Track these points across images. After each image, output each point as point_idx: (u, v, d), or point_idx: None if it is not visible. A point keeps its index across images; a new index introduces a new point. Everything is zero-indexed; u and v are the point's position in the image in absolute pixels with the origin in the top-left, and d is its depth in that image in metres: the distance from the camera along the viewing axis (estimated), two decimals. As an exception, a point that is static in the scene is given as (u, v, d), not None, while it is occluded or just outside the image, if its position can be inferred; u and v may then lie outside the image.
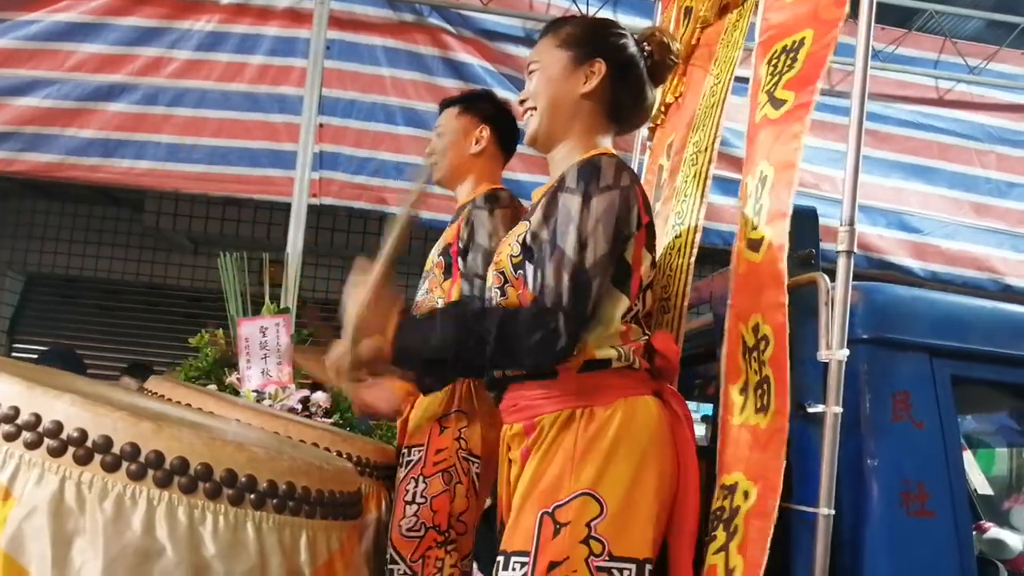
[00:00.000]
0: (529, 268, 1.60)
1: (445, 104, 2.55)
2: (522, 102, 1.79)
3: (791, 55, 1.66)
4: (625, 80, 1.75)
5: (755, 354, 1.61)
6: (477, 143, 2.42)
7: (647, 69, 1.79)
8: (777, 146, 1.60)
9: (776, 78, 1.68)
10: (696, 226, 1.92)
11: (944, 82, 5.18)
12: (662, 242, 1.94)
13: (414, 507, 2.13)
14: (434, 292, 2.38)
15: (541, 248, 1.56)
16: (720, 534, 1.54)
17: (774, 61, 1.72)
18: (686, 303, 1.85)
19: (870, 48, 1.57)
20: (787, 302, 1.51)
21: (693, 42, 2.12)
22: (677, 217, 1.93)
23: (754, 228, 1.63)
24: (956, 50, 5.13)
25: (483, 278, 2.10)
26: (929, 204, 5.04)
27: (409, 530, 2.11)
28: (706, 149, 1.93)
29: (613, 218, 1.54)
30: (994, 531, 2.97)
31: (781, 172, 1.57)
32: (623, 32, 1.80)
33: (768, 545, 1.42)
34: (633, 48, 1.78)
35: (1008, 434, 3.27)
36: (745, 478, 1.54)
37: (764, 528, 1.44)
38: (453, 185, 2.48)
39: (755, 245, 1.62)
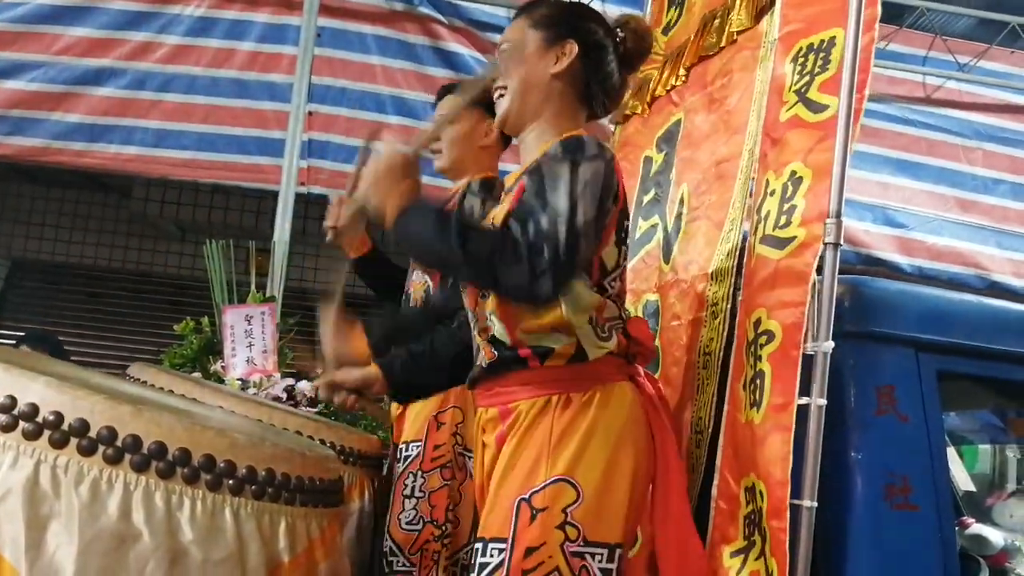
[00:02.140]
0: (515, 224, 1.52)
1: (447, 91, 2.52)
2: (492, 80, 1.77)
3: (821, 55, 1.64)
4: (596, 63, 1.73)
5: (753, 348, 1.61)
6: (487, 136, 2.40)
7: (620, 55, 1.77)
8: (818, 150, 1.58)
9: (807, 78, 1.66)
10: (740, 232, 1.89)
11: (931, 79, 5.19)
12: (720, 248, 1.92)
13: (413, 501, 2.15)
14: (420, 271, 2.37)
15: (530, 206, 1.50)
16: (757, 539, 1.55)
17: (801, 60, 1.69)
18: (729, 306, 1.83)
19: (859, 41, 1.57)
20: (808, 301, 1.50)
21: (728, 41, 2.09)
22: (730, 223, 1.91)
23: (780, 226, 1.62)
24: (946, 47, 5.14)
25: None
26: (915, 199, 5.05)
27: (408, 523, 2.14)
28: (752, 154, 1.89)
29: (599, 186, 1.52)
30: (976, 527, 2.97)
31: (821, 176, 1.55)
32: (597, 16, 1.79)
33: (787, 546, 1.43)
34: (605, 32, 1.76)
35: (990, 431, 3.27)
36: (757, 478, 1.54)
37: (781, 528, 1.45)
38: (456, 176, 2.46)
39: (778, 243, 1.61)
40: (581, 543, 1.47)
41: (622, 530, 1.52)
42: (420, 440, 2.19)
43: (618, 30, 1.78)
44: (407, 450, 2.21)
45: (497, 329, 1.61)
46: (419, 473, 2.16)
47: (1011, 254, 5.09)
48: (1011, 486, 3.46)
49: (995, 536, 2.94)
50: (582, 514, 1.48)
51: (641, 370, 1.68)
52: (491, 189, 2.28)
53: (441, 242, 1.47)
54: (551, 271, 1.42)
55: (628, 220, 1.68)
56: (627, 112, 2.57)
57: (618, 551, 1.50)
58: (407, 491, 2.16)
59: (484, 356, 1.65)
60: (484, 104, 2.41)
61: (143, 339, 6.92)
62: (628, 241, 1.70)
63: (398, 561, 2.13)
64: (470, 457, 2.17)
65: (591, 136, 1.62)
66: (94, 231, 7.05)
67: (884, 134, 5.02)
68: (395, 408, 2.33)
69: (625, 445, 1.55)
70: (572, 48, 1.71)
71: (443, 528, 2.13)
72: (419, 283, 2.38)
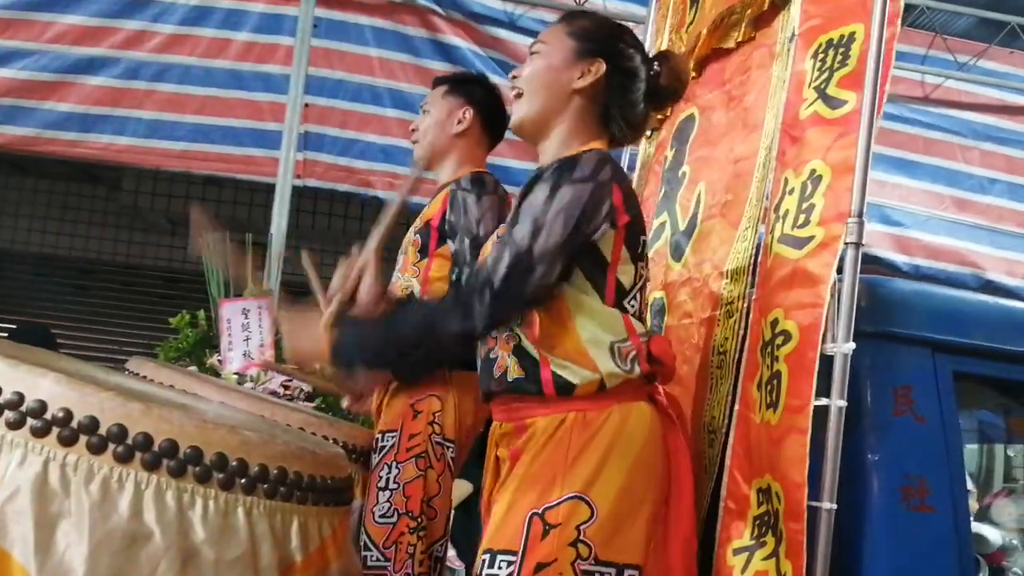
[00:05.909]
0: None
1: (435, 83, 2.51)
2: (513, 78, 1.74)
3: (841, 50, 1.62)
4: (622, 89, 1.69)
5: (769, 349, 1.59)
6: (459, 123, 2.36)
7: (650, 89, 1.72)
8: (836, 147, 1.56)
9: (827, 74, 1.64)
10: (757, 231, 1.87)
11: (930, 78, 5.19)
12: (737, 247, 1.89)
13: (387, 493, 2.10)
14: (406, 272, 2.30)
15: (498, 245, 1.55)
16: (769, 540, 1.53)
17: (821, 55, 1.67)
18: (744, 305, 1.81)
19: (883, 34, 1.55)
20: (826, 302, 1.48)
21: (745, 38, 2.07)
22: (747, 221, 1.89)
23: (798, 225, 1.60)
24: (946, 46, 5.14)
25: (471, 265, 2.07)
26: (911, 198, 5.06)
27: (382, 516, 2.09)
28: (770, 152, 1.88)
29: (577, 210, 1.51)
30: (974, 526, 2.98)
31: (841, 175, 1.53)
32: (635, 42, 1.74)
33: (804, 548, 1.41)
34: (640, 62, 1.72)
35: (988, 429, 3.29)
36: (773, 479, 1.53)
37: (799, 530, 1.43)
38: (433, 165, 2.41)
39: (796, 242, 1.59)
40: (592, 562, 1.45)
41: (634, 552, 1.49)
42: (396, 430, 2.14)
43: (655, 63, 1.73)
44: (383, 440, 2.16)
45: (525, 342, 1.57)
46: (394, 464, 2.11)
47: (1006, 253, 5.12)
48: (1009, 485, 3.48)
49: (993, 535, 2.96)
50: (595, 532, 1.46)
51: (660, 388, 1.65)
52: (483, 185, 2.23)
53: (389, 346, 1.57)
54: (486, 305, 1.49)
55: (644, 235, 1.66)
56: (660, 117, 2.53)
57: (627, 572, 1.48)
58: (381, 483, 2.11)
59: (501, 369, 1.61)
60: (464, 92, 2.39)
61: (131, 332, 6.89)
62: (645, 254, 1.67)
63: (372, 556, 2.07)
64: (449, 447, 2.13)
65: (593, 153, 1.59)
66: (83, 223, 7.02)
67: (881, 132, 4.99)
68: (375, 398, 2.29)
69: (641, 467, 1.53)
70: (599, 67, 1.67)
71: (418, 520, 2.08)
72: (403, 286, 2.30)
